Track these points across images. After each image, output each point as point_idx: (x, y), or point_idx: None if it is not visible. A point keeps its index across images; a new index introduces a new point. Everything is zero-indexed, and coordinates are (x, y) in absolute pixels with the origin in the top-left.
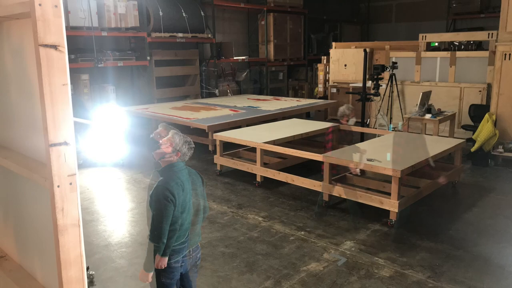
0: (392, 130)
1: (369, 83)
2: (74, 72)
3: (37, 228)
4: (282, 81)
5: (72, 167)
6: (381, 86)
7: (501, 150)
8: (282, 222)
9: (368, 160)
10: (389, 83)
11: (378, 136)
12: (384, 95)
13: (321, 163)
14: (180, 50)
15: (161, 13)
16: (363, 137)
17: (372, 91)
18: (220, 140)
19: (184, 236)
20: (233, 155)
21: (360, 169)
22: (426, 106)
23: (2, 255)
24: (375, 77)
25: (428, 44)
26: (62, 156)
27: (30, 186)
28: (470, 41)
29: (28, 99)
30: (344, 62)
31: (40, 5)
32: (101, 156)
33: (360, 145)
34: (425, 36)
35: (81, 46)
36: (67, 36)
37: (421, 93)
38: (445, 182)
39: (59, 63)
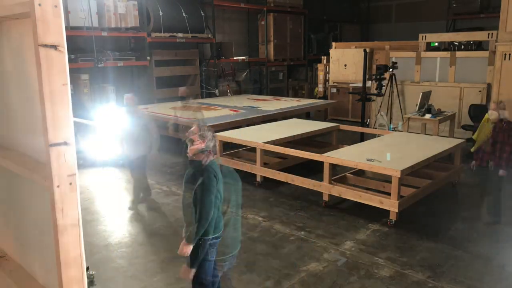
0: (392, 130)
1: (368, 83)
2: (74, 72)
3: (37, 228)
4: (282, 81)
5: (72, 167)
6: (383, 86)
7: None
8: (282, 222)
9: (368, 160)
10: (389, 83)
11: (378, 136)
12: (383, 95)
13: (320, 163)
14: (180, 50)
15: (161, 13)
16: (363, 137)
17: (375, 91)
18: (220, 140)
19: (219, 230)
20: (233, 155)
21: (360, 169)
22: (426, 106)
23: (2, 255)
24: (378, 77)
25: (428, 44)
26: (62, 156)
27: (30, 186)
28: (470, 41)
29: (28, 99)
30: (344, 62)
31: (40, 5)
32: (101, 156)
33: (360, 145)
34: (425, 36)
35: (81, 46)
36: (67, 36)
37: (421, 93)
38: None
39: (58, 63)
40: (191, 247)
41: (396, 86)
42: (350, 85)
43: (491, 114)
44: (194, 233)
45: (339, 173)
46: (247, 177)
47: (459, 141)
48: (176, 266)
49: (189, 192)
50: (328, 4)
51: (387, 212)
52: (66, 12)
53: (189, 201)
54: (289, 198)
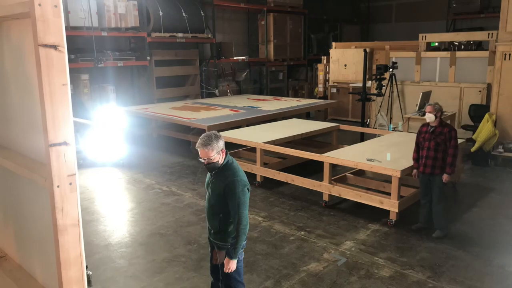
0: (392, 130)
1: (368, 83)
2: (74, 72)
3: (37, 228)
4: (282, 81)
5: (71, 167)
6: (383, 86)
7: (501, 150)
8: (282, 222)
9: (368, 160)
10: (389, 83)
11: (378, 136)
12: (384, 95)
13: (320, 163)
14: (180, 50)
15: (161, 13)
16: (363, 137)
17: (375, 91)
18: None
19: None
20: (233, 155)
21: (360, 169)
22: (426, 106)
23: (2, 255)
24: (378, 77)
25: (428, 44)
26: (61, 156)
27: (30, 186)
28: (470, 41)
29: (28, 99)
30: (344, 62)
31: (40, 5)
32: (101, 156)
33: (360, 145)
34: (425, 36)
35: (81, 46)
36: (67, 36)
37: (421, 93)
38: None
39: (58, 63)
40: (235, 262)
41: (396, 86)
42: (350, 85)
43: (428, 117)
44: (236, 247)
45: (339, 173)
46: (247, 177)
47: (459, 141)
48: (176, 266)
49: (214, 197)
50: (328, 4)
51: (387, 212)
52: (66, 12)
53: (215, 209)
54: (289, 198)
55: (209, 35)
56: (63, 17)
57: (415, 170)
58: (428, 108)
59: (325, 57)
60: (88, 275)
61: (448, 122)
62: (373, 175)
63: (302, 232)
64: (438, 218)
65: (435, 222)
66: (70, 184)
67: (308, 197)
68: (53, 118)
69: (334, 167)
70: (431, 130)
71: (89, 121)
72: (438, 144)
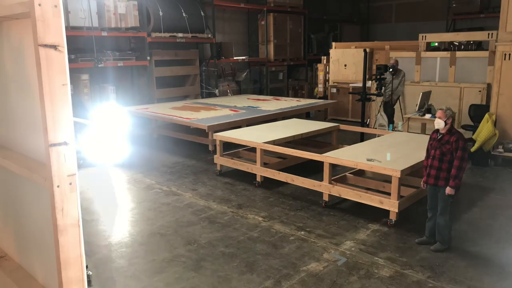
0: (392, 130)
1: (369, 83)
2: (74, 72)
3: (37, 228)
4: (282, 81)
5: (71, 167)
6: (383, 86)
7: (501, 150)
8: (282, 222)
9: (368, 160)
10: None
11: (378, 136)
12: (383, 95)
13: (320, 163)
14: (180, 50)
15: (161, 13)
16: (363, 137)
17: (375, 91)
18: (220, 140)
19: None
20: (233, 155)
21: (360, 169)
22: (426, 106)
23: (2, 255)
24: (378, 77)
25: (428, 44)
26: (61, 156)
27: (30, 186)
28: (470, 41)
29: (28, 99)
30: (344, 62)
31: (39, 5)
32: (101, 156)
33: (360, 145)
34: (425, 36)
35: (81, 46)
36: (67, 36)
37: (421, 93)
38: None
39: (58, 63)
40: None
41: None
42: (350, 85)
43: (438, 124)
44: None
45: (339, 173)
46: (247, 177)
47: None
48: (176, 266)
49: None
50: (328, 4)
51: (387, 212)
52: (66, 12)
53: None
54: (289, 198)
55: (209, 35)
56: (63, 17)
57: (424, 178)
58: (438, 113)
59: (325, 57)
60: (88, 275)
61: None
62: (373, 175)
63: (302, 232)
64: (440, 231)
65: (436, 233)
66: (70, 184)
67: (308, 197)
68: (53, 118)
69: (334, 167)
70: (438, 137)
71: (89, 121)
72: (443, 154)
